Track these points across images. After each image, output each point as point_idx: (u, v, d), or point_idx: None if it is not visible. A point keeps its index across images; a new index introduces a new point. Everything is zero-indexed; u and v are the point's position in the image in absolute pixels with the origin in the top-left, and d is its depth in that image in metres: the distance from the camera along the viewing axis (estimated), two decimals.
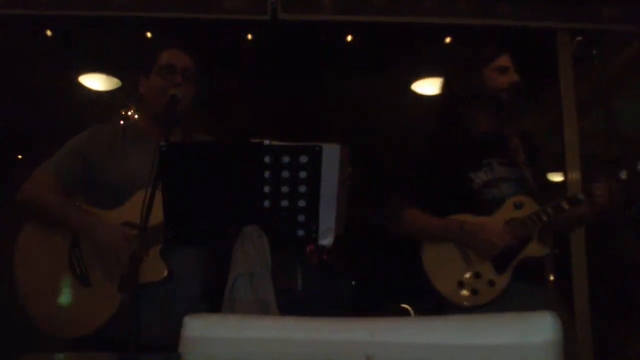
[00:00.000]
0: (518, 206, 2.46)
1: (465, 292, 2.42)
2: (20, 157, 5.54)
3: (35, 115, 4.90)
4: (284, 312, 1.66)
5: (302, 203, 1.70)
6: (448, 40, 4.14)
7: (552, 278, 5.39)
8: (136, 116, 4.88)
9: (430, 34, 4.15)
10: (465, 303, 2.41)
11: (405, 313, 5.36)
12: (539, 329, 1.10)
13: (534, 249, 2.43)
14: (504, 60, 2.57)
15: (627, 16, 3.95)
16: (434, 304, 2.50)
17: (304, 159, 1.66)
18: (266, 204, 1.70)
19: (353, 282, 5.37)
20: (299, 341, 1.19)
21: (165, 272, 2.14)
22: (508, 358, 1.10)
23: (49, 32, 4.05)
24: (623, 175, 2.38)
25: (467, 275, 2.44)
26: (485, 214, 2.48)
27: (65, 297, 2.18)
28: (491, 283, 2.41)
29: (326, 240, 1.75)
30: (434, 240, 2.51)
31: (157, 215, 1.75)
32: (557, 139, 4.09)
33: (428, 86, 5.04)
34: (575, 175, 3.89)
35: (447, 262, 2.47)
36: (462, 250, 2.46)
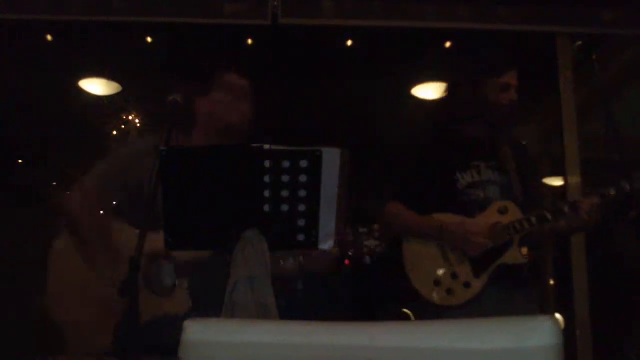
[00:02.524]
0: (502, 211, 2.49)
1: (439, 291, 2.45)
2: (20, 161, 5.55)
3: (35, 119, 4.91)
4: (284, 315, 1.66)
5: (302, 207, 1.71)
6: (448, 44, 4.15)
7: (551, 282, 5.41)
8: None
9: (430, 38, 4.15)
10: (438, 301, 2.44)
11: (406, 317, 5.36)
12: (539, 333, 1.10)
13: (512, 256, 2.45)
14: (508, 78, 2.56)
15: (626, 20, 3.96)
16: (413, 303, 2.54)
17: (304, 163, 1.67)
18: (266, 208, 1.70)
19: (353, 286, 5.37)
20: (299, 345, 1.19)
21: (189, 308, 2.12)
22: None
23: (49, 37, 4.05)
24: (611, 191, 2.37)
25: (444, 274, 2.46)
26: (467, 215, 2.50)
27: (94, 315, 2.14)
28: (466, 285, 2.43)
29: (326, 245, 1.75)
30: (414, 236, 2.54)
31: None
32: (557, 143, 4.10)
33: (428, 90, 5.05)
34: (575, 179, 3.89)
35: (425, 260, 2.50)
36: (442, 249, 2.48)
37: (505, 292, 2.45)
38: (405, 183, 2.63)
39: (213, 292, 2.22)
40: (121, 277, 2.03)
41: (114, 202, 2.30)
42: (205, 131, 2.44)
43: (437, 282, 2.46)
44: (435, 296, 2.45)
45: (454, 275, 2.45)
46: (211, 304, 2.20)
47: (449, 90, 2.73)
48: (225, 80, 2.42)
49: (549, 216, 2.40)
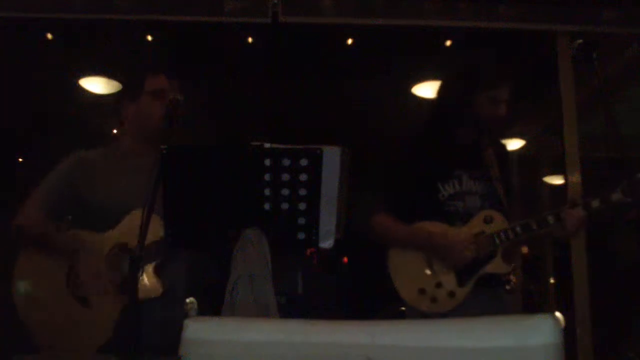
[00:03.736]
0: (488, 220, 2.50)
1: (424, 299, 2.45)
2: (20, 159, 5.55)
3: (36, 117, 4.91)
4: (284, 314, 1.66)
5: (302, 206, 1.70)
6: (448, 43, 4.15)
7: (551, 281, 5.41)
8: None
9: (430, 37, 4.15)
10: (423, 309, 2.45)
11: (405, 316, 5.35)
12: (539, 332, 1.10)
13: (497, 266, 2.47)
14: (501, 93, 2.53)
15: (627, 19, 3.96)
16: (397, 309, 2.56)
17: (304, 161, 1.67)
18: (267, 206, 1.70)
19: (353, 285, 5.37)
20: (299, 344, 1.19)
21: (161, 289, 2.15)
22: None
23: (49, 35, 4.06)
24: (595, 203, 2.36)
25: (429, 283, 2.46)
26: (450, 225, 2.50)
27: (68, 319, 2.19)
28: (451, 294, 2.44)
29: (326, 243, 1.75)
30: (401, 247, 2.54)
31: (149, 235, 1.75)
32: (557, 142, 4.10)
33: (428, 89, 5.05)
34: (575, 178, 3.90)
35: (411, 269, 2.50)
36: (428, 259, 2.49)
37: (489, 299, 2.46)
38: (391, 193, 2.61)
39: (181, 272, 2.27)
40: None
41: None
42: (132, 137, 2.46)
43: (422, 290, 2.47)
44: (420, 304, 2.46)
45: (438, 285, 2.46)
46: (181, 282, 2.25)
47: (439, 94, 2.72)
48: (148, 84, 2.42)
49: (534, 226, 2.42)
